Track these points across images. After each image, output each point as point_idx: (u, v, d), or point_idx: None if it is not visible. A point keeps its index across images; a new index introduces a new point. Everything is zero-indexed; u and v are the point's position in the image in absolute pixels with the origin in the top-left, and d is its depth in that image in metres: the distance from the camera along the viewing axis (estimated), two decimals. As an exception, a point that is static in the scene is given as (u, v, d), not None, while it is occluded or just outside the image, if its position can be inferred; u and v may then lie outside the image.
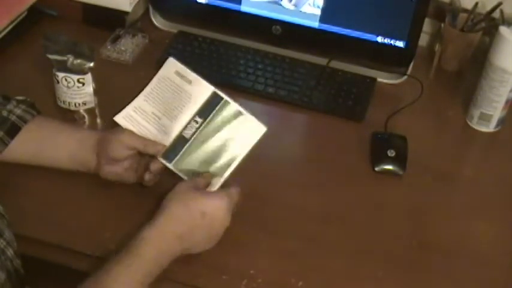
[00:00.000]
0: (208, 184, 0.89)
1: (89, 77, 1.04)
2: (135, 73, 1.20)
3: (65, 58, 1.02)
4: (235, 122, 0.91)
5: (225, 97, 0.92)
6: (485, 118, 1.13)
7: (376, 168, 1.04)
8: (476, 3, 1.24)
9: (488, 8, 1.22)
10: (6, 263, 0.75)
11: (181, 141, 0.92)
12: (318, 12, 1.19)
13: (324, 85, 1.19)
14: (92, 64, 1.03)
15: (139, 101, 0.95)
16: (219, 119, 0.92)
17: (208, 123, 0.92)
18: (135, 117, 0.94)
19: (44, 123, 0.96)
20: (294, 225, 0.95)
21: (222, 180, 0.90)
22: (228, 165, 0.90)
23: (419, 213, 0.99)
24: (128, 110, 0.95)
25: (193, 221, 0.83)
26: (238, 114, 0.91)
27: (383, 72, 1.23)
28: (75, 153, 0.94)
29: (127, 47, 1.24)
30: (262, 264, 0.88)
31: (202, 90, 0.93)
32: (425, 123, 1.17)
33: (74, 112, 1.06)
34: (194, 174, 0.91)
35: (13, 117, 0.93)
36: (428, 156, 1.08)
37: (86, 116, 1.07)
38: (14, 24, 1.22)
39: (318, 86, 1.19)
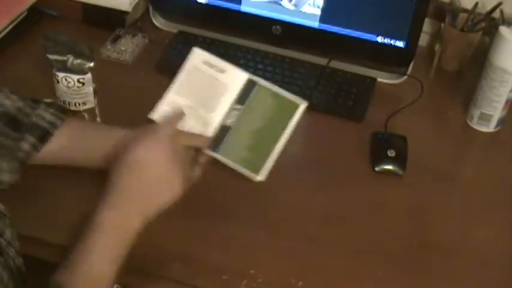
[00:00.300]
0: None
1: (89, 77, 1.04)
2: (135, 73, 1.20)
3: (65, 58, 1.02)
4: (274, 103, 0.92)
5: (260, 81, 0.93)
6: (485, 118, 1.13)
7: (376, 168, 1.04)
8: (476, 3, 1.24)
9: (488, 8, 1.22)
10: (8, 262, 0.75)
11: (224, 130, 0.93)
12: (318, 12, 1.19)
13: (324, 85, 1.19)
14: (92, 64, 1.03)
15: (171, 95, 0.94)
16: (258, 103, 0.93)
17: (247, 108, 0.93)
18: (171, 112, 0.94)
19: (75, 125, 0.95)
20: (294, 225, 0.95)
21: (271, 162, 0.91)
22: (275, 145, 0.91)
23: (419, 213, 0.99)
24: (162, 105, 0.94)
25: (135, 175, 0.81)
26: (275, 95, 0.92)
27: (383, 72, 1.23)
28: (109, 153, 0.91)
29: (127, 47, 1.24)
30: (262, 264, 0.88)
31: (237, 77, 0.94)
32: (425, 123, 1.17)
33: (74, 112, 1.06)
34: (243, 160, 0.92)
35: (43, 123, 0.91)
36: (428, 156, 1.09)
37: (86, 116, 1.07)
38: (14, 24, 1.22)
39: (318, 86, 1.19)
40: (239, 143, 0.93)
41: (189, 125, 0.93)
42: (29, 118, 0.91)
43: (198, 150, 0.92)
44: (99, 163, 0.92)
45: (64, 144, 0.93)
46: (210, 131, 0.93)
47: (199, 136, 0.92)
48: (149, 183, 0.82)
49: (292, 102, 0.92)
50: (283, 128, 0.92)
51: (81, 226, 0.80)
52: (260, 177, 0.91)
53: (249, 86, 0.93)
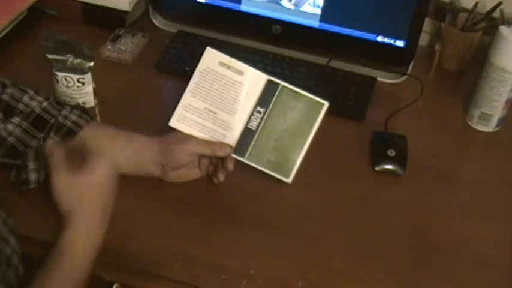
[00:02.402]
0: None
1: (88, 77, 1.04)
2: (135, 73, 1.20)
3: (65, 58, 1.02)
4: (296, 104, 0.92)
5: (281, 82, 0.93)
6: (485, 118, 1.13)
7: (376, 168, 1.04)
8: (476, 3, 1.24)
9: (488, 8, 1.22)
10: (8, 273, 0.75)
11: (248, 133, 0.93)
12: (318, 11, 1.19)
13: (324, 85, 1.19)
14: (91, 64, 1.03)
15: (187, 98, 0.93)
16: (281, 105, 0.92)
17: (271, 111, 0.92)
18: (190, 117, 0.93)
19: (100, 129, 0.95)
20: (294, 225, 0.95)
21: (298, 163, 0.91)
22: (301, 147, 0.92)
23: (419, 213, 0.99)
24: (179, 110, 0.93)
25: (95, 199, 0.82)
26: (297, 96, 0.92)
27: (383, 71, 1.23)
28: (135, 162, 0.92)
29: (127, 46, 1.24)
30: (262, 264, 0.88)
31: (256, 79, 0.93)
32: (425, 123, 1.17)
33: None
34: (269, 162, 0.92)
35: (69, 123, 0.92)
36: (428, 156, 1.08)
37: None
38: (14, 24, 1.22)
39: (318, 85, 1.19)
40: (266, 146, 0.93)
41: (210, 128, 0.92)
42: (55, 118, 0.92)
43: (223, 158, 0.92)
44: (125, 171, 0.92)
45: (94, 142, 0.92)
46: (234, 134, 0.92)
47: (221, 145, 0.92)
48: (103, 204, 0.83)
49: (316, 102, 0.93)
50: (309, 128, 0.92)
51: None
52: (290, 179, 0.93)
53: (270, 87, 0.93)
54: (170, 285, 0.85)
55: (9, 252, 0.76)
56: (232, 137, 0.92)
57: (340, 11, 1.18)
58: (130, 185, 0.94)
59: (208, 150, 0.91)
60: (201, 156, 0.94)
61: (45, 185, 0.95)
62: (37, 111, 0.92)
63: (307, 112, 0.92)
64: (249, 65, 0.95)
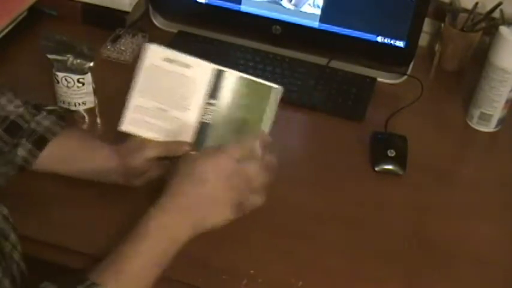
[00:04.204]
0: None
1: (89, 77, 1.04)
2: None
3: (65, 58, 1.02)
4: (247, 91, 0.88)
5: (228, 70, 0.88)
6: (485, 118, 1.13)
7: (376, 168, 1.04)
8: (476, 3, 1.24)
9: (488, 8, 1.22)
10: (12, 267, 0.75)
11: (204, 127, 0.88)
12: (318, 12, 1.19)
13: (324, 85, 1.19)
14: (91, 64, 1.03)
15: (135, 99, 0.89)
16: (232, 93, 0.88)
17: (223, 101, 0.88)
18: (141, 118, 0.89)
19: (73, 135, 0.94)
20: (294, 225, 0.95)
21: None
22: (258, 133, 0.86)
23: (419, 213, 0.99)
24: (129, 113, 0.89)
25: (196, 189, 0.79)
26: (247, 82, 0.88)
27: (383, 72, 1.23)
28: (99, 170, 0.92)
29: (127, 47, 1.24)
30: (262, 264, 0.88)
31: (203, 70, 0.88)
32: (425, 123, 1.17)
33: (74, 112, 1.06)
34: None
35: (41, 130, 0.91)
36: (428, 156, 1.09)
37: (86, 116, 1.07)
38: (14, 24, 1.22)
39: (318, 85, 1.19)
40: (223, 138, 0.88)
41: (164, 128, 0.89)
42: (29, 124, 0.91)
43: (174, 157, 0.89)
44: (93, 177, 0.93)
45: (59, 154, 0.92)
46: (189, 130, 0.88)
47: (179, 144, 0.88)
48: (207, 199, 0.80)
49: (266, 86, 0.87)
50: (262, 113, 0.87)
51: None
52: None
53: (219, 77, 0.88)
54: (170, 285, 0.85)
55: (9, 249, 0.76)
56: (188, 134, 0.88)
57: (340, 11, 1.18)
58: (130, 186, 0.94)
59: (166, 152, 0.89)
60: (161, 158, 0.91)
61: (46, 185, 0.95)
62: (12, 117, 0.90)
63: (259, 97, 0.87)
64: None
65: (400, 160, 1.05)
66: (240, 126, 0.88)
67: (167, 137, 0.89)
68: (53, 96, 1.07)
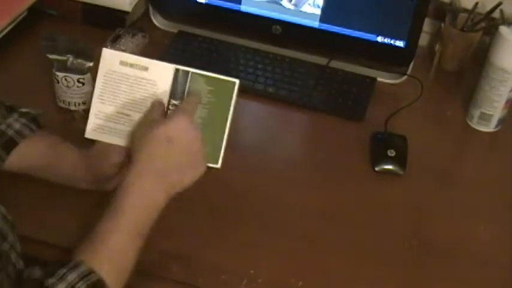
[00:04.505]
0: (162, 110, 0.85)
1: (89, 77, 1.04)
2: (135, 73, 1.20)
3: (65, 58, 1.02)
4: (209, 88, 0.86)
5: (190, 69, 0.87)
6: (485, 118, 1.13)
7: (376, 168, 1.04)
8: (476, 3, 1.24)
9: (488, 8, 1.22)
10: (7, 268, 0.75)
11: None
12: (318, 12, 1.19)
13: (324, 85, 1.19)
14: (91, 64, 1.03)
15: (96, 105, 0.88)
16: (194, 92, 0.86)
17: None
18: (105, 124, 0.88)
19: (42, 140, 0.93)
20: (294, 225, 0.95)
21: (223, 147, 0.86)
22: (223, 130, 0.86)
23: (419, 213, 0.99)
24: (92, 120, 0.89)
25: (162, 150, 0.80)
26: (209, 79, 0.86)
27: (383, 72, 1.23)
28: (68, 178, 0.92)
29: (127, 47, 1.24)
30: (262, 264, 0.88)
31: (164, 71, 0.87)
32: (425, 123, 1.17)
33: (73, 112, 1.06)
34: None
35: (11, 132, 0.90)
36: (428, 156, 1.09)
37: (86, 116, 1.07)
38: (14, 24, 1.22)
39: (318, 85, 1.19)
40: None
41: (128, 132, 0.87)
42: None
43: None
44: (65, 182, 0.92)
45: (28, 158, 0.91)
46: None
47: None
48: (175, 160, 0.80)
49: (228, 82, 0.86)
50: (227, 110, 0.86)
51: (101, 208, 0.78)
52: (219, 164, 0.86)
53: (180, 77, 0.87)
54: (170, 285, 0.85)
55: (6, 248, 0.75)
56: None
57: (340, 11, 1.18)
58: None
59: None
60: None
61: (45, 186, 0.95)
62: None
63: (222, 94, 0.86)
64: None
65: (400, 160, 1.05)
66: (206, 125, 0.86)
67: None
68: (53, 96, 1.07)
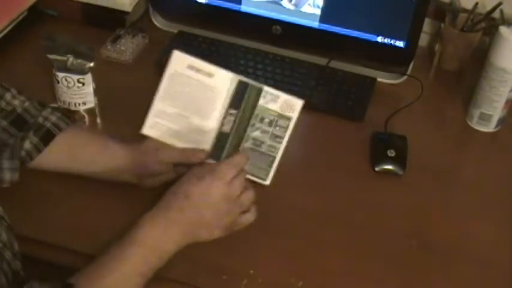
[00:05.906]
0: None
1: (89, 77, 1.04)
2: (135, 73, 1.20)
3: (65, 58, 1.02)
4: (270, 105, 0.90)
5: (252, 82, 0.90)
6: (485, 118, 1.13)
7: (376, 168, 1.04)
8: (476, 3, 1.24)
9: (488, 8, 1.22)
10: (3, 266, 0.75)
11: (222, 137, 0.90)
12: (318, 12, 1.19)
13: (324, 85, 1.19)
14: (92, 64, 1.03)
15: (157, 104, 0.91)
16: (252, 104, 0.90)
17: (243, 112, 0.90)
18: (162, 123, 0.91)
19: (79, 133, 0.95)
20: (294, 225, 0.95)
21: (276, 164, 0.90)
22: (277, 146, 0.90)
23: (419, 213, 0.99)
24: (151, 117, 0.91)
25: (178, 203, 0.82)
26: (272, 97, 0.90)
27: (383, 72, 1.23)
28: (111, 167, 0.92)
29: (127, 47, 1.24)
30: (262, 264, 0.88)
31: (226, 80, 0.90)
32: (425, 123, 1.17)
33: (74, 112, 1.06)
34: (247, 167, 0.90)
35: (48, 124, 0.91)
36: (428, 156, 1.09)
37: (86, 116, 1.07)
38: (14, 24, 1.22)
39: (318, 86, 1.19)
40: (238, 149, 0.90)
41: (182, 133, 0.90)
42: (35, 119, 0.91)
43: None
44: (100, 176, 0.93)
45: (64, 151, 0.92)
46: (208, 139, 0.90)
47: (194, 151, 0.90)
48: (198, 217, 0.83)
49: (289, 102, 0.90)
50: (283, 128, 0.90)
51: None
52: (268, 182, 0.91)
53: (241, 88, 0.90)
54: (170, 285, 0.85)
55: None
56: (206, 142, 0.90)
57: (340, 11, 1.18)
58: (129, 186, 0.94)
59: (181, 158, 0.90)
60: (177, 163, 0.92)
61: (46, 185, 0.95)
62: (18, 111, 0.91)
63: (281, 111, 0.90)
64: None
65: (400, 160, 1.05)
66: (260, 139, 0.90)
67: (185, 143, 0.91)
68: (53, 96, 1.07)
